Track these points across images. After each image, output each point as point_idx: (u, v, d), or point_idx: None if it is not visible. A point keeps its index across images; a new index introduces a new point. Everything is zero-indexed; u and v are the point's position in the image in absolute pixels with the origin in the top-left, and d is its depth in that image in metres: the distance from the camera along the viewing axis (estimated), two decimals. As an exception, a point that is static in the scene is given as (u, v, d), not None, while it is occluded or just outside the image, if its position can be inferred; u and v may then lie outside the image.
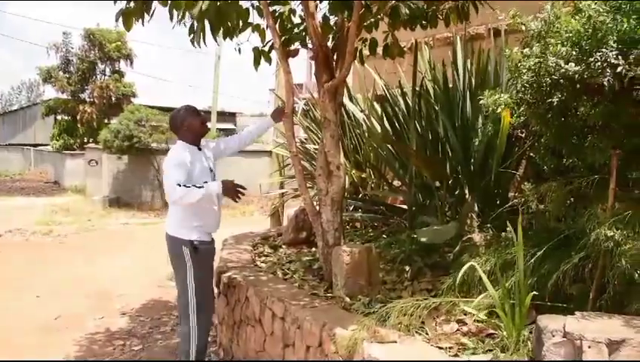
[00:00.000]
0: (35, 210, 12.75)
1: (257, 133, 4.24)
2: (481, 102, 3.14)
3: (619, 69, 2.32)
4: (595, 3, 2.51)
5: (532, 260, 2.74)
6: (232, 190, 3.57)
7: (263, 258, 4.60)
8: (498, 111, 3.02)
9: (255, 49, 3.89)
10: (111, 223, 11.68)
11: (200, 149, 3.72)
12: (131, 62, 19.82)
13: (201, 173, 3.60)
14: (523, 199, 3.01)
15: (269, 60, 3.96)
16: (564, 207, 2.93)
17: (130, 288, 6.35)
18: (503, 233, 3.19)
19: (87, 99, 19.29)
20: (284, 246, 4.93)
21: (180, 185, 3.37)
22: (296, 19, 3.95)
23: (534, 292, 2.55)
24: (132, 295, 6.10)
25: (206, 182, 3.54)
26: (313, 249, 4.56)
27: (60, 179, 19.17)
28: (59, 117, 20.33)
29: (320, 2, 3.86)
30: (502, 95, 2.97)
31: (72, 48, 19.65)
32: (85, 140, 18.54)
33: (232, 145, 4.13)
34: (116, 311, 5.58)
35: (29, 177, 21.90)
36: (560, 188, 2.83)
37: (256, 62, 3.91)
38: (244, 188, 3.64)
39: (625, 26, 2.41)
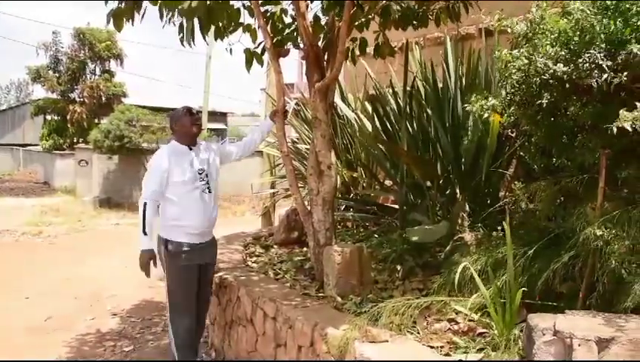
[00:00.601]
0: (24, 210, 12.63)
1: (261, 138, 4.22)
2: (467, 108, 3.14)
3: (604, 76, 2.34)
4: (583, 4, 2.53)
5: (522, 259, 2.75)
6: (142, 267, 3.62)
7: (255, 258, 4.60)
8: (485, 116, 3.02)
9: (247, 50, 3.88)
10: (101, 224, 11.59)
11: (191, 149, 3.68)
12: (121, 62, 19.67)
13: (189, 173, 3.56)
14: (513, 198, 3.03)
15: (260, 62, 3.96)
16: (554, 206, 2.95)
17: (121, 289, 6.31)
18: (494, 232, 3.21)
19: (77, 99, 19.08)
20: (275, 246, 4.93)
21: (145, 203, 3.51)
22: (288, 19, 3.95)
23: (524, 289, 2.57)
24: (123, 296, 6.06)
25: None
26: (305, 249, 4.56)
27: (49, 180, 18.99)
28: (48, 117, 20.11)
29: (311, 2, 3.86)
30: (489, 99, 2.94)
31: (62, 48, 19.46)
32: (75, 140, 18.35)
33: (230, 151, 4.05)
34: (107, 312, 5.54)
35: (18, 177, 21.61)
36: (550, 188, 2.85)
37: (248, 64, 3.90)
38: (154, 265, 3.65)
39: (612, 27, 2.43)
